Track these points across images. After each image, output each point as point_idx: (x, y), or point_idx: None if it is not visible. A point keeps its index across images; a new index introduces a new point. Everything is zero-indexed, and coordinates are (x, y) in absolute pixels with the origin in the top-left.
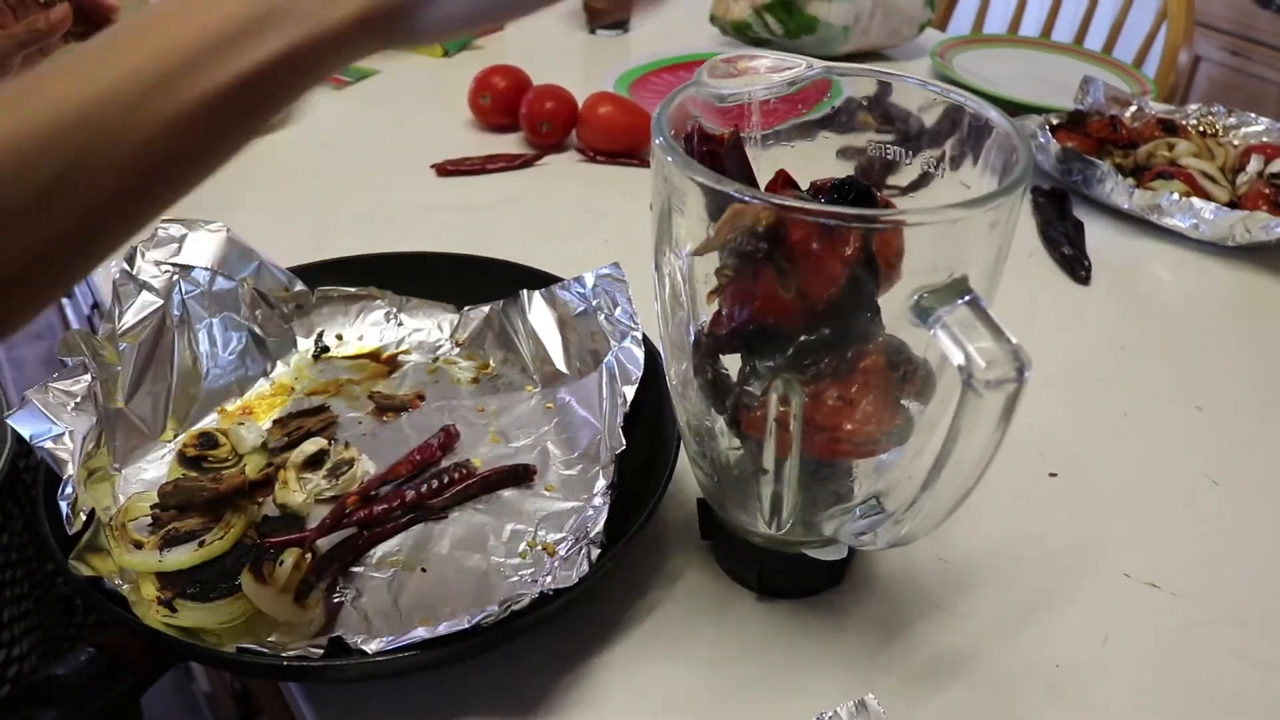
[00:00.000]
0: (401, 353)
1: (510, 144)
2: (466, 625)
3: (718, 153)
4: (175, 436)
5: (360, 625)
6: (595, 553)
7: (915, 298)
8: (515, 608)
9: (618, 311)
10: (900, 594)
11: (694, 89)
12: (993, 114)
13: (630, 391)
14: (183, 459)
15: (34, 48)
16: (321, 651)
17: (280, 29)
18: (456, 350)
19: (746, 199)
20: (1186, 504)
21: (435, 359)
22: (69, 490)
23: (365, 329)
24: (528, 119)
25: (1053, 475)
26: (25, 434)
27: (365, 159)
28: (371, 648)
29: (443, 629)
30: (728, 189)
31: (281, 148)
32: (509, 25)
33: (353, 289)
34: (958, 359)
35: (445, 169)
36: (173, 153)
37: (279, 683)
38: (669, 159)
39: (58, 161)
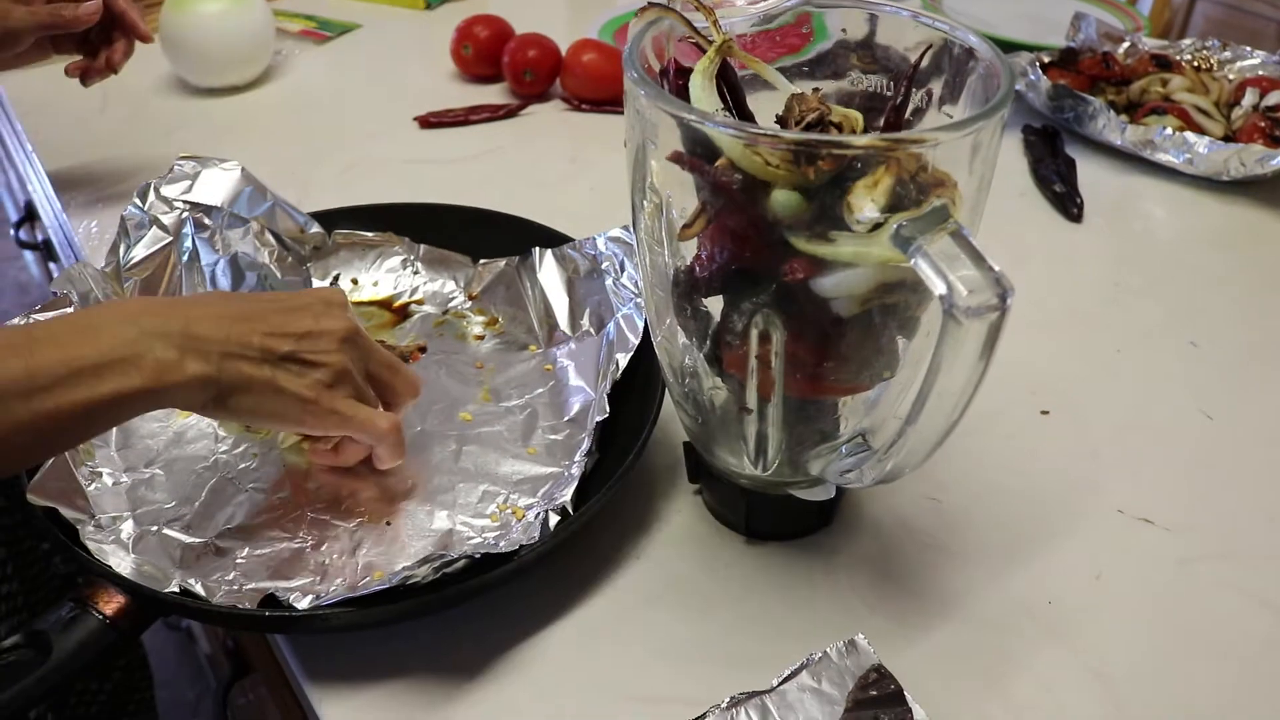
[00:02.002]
0: (414, 302)
1: (494, 94)
2: (390, 585)
3: None
4: None
5: (316, 571)
6: (554, 519)
7: (895, 226)
8: (447, 570)
9: (624, 276)
10: (890, 534)
11: (667, 23)
12: (973, 39)
13: (624, 359)
14: None
15: (52, 33)
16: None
17: (123, 374)
18: (469, 304)
19: (716, 128)
20: (1180, 440)
21: (446, 311)
22: None
23: (381, 275)
24: (510, 68)
25: (1045, 413)
26: None
27: (346, 113)
28: (302, 605)
29: (376, 587)
30: (694, 117)
31: (262, 104)
32: None
33: (372, 234)
34: (939, 288)
35: (428, 121)
36: (18, 444)
37: (267, 638)
38: (641, 93)
39: None
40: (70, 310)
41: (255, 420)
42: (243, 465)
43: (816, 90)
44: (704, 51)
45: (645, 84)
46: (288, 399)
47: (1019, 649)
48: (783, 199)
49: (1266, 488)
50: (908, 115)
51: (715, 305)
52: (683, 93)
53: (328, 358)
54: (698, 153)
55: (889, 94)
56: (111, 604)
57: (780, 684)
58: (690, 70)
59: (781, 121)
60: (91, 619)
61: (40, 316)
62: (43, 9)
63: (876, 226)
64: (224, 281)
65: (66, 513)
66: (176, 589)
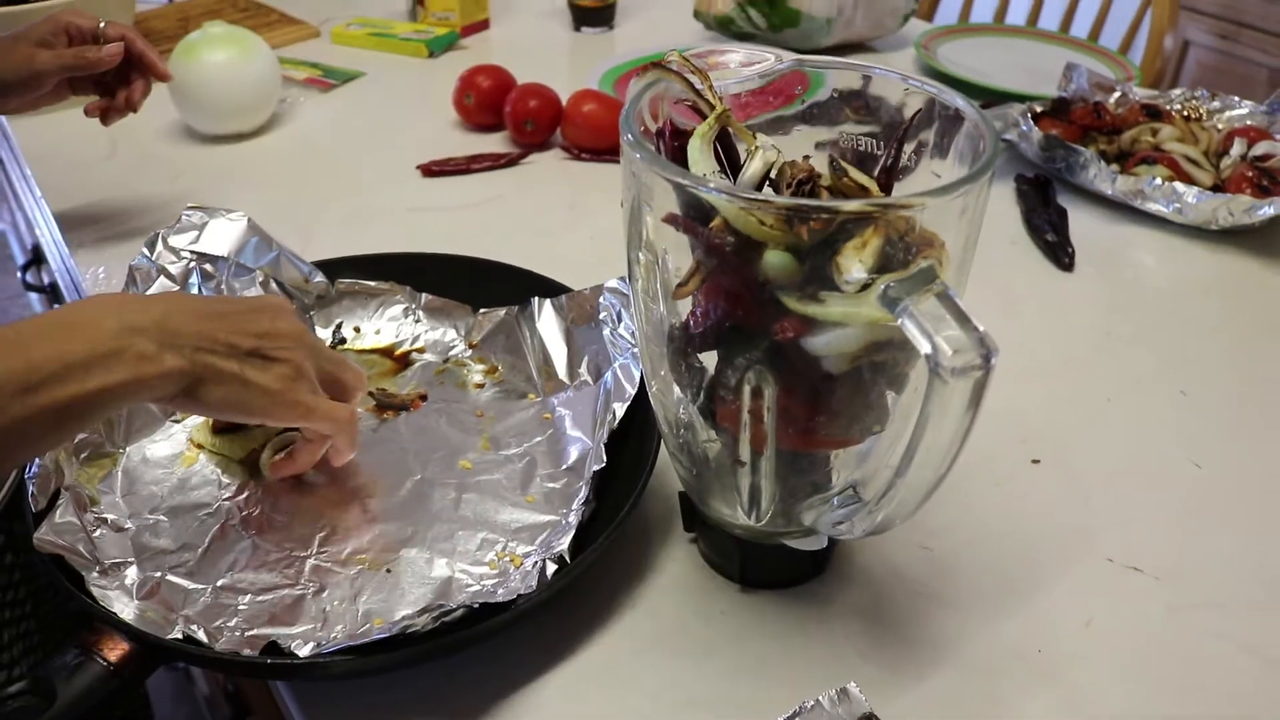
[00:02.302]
0: (416, 350)
1: (495, 143)
2: (390, 634)
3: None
4: (185, 420)
5: (317, 618)
6: (551, 568)
7: (883, 287)
8: (445, 619)
9: (621, 327)
10: (882, 582)
11: (664, 85)
12: (959, 102)
13: (621, 409)
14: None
15: (76, 74)
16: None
17: (105, 369)
18: (469, 353)
19: (711, 193)
20: (1170, 488)
21: (447, 360)
22: (34, 469)
23: (383, 324)
24: (512, 118)
25: (1035, 462)
26: None
27: (350, 160)
28: (304, 652)
29: (376, 635)
30: (689, 182)
31: (267, 150)
32: (494, 23)
33: (374, 283)
34: (925, 348)
35: (430, 169)
36: (13, 443)
37: (265, 681)
38: (637, 155)
39: None
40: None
41: (223, 412)
42: (245, 512)
43: (807, 158)
44: (699, 113)
45: (641, 147)
46: (255, 391)
47: (1010, 696)
48: (775, 260)
49: (1255, 536)
50: (898, 173)
51: (710, 360)
52: (678, 154)
53: (288, 354)
54: (692, 215)
55: (879, 154)
56: (115, 651)
57: None
58: (685, 131)
59: (774, 185)
60: (96, 665)
61: None
62: (67, 51)
63: (865, 287)
64: None
65: (72, 560)
66: (180, 635)
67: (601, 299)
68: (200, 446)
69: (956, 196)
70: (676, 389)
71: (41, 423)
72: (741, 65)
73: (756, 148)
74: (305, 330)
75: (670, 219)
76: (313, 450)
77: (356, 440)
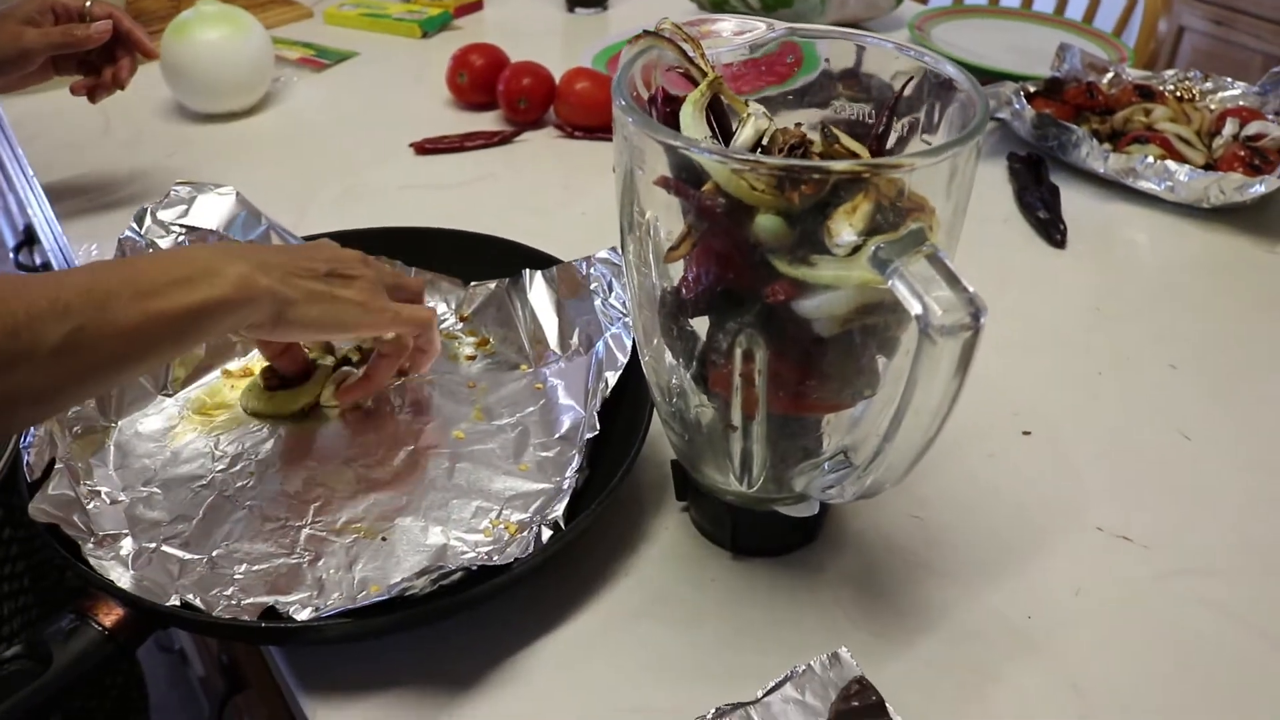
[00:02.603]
0: None
1: (489, 122)
2: (388, 596)
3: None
4: (176, 393)
5: (314, 586)
6: (546, 533)
7: (873, 249)
8: (444, 582)
9: (612, 296)
10: (874, 550)
11: (656, 53)
12: (952, 70)
13: (613, 377)
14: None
15: (63, 53)
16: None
17: (211, 284)
18: (460, 325)
19: (703, 154)
20: (1159, 459)
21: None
22: (29, 438)
23: None
24: (505, 96)
25: (1026, 434)
26: None
27: (343, 139)
28: (302, 616)
29: (374, 598)
30: (681, 144)
31: (261, 129)
32: (488, 4)
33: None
34: (914, 308)
35: (423, 147)
36: (129, 349)
37: (262, 653)
38: (629, 120)
39: (68, 324)
40: None
41: (318, 330)
42: (239, 483)
43: (799, 125)
44: (691, 80)
45: (633, 111)
46: (345, 304)
47: (998, 662)
48: (766, 223)
49: (1242, 506)
50: (890, 144)
51: (701, 326)
52: (670, 120)
53: (360, 271)
54: (684, 178)
55: (871, 123)
56: (111, 616)
57: (764, 695)
58: (677, 98)
59: (765, 150)
60: (91, 630)
61: None
62: (54, 30)
63: (855, 249)
64: None
65: (68, 530)
66: (177, 602)
67: (592, 269)
68: (257, 414)
69: (945, 159)
70: (669, 355)
71: (155, 330)
72: (733, 34)
73: (749, 115)
74: (362, 253)
75: (662, 182)
76: (389, 365)
77: (438, 339)
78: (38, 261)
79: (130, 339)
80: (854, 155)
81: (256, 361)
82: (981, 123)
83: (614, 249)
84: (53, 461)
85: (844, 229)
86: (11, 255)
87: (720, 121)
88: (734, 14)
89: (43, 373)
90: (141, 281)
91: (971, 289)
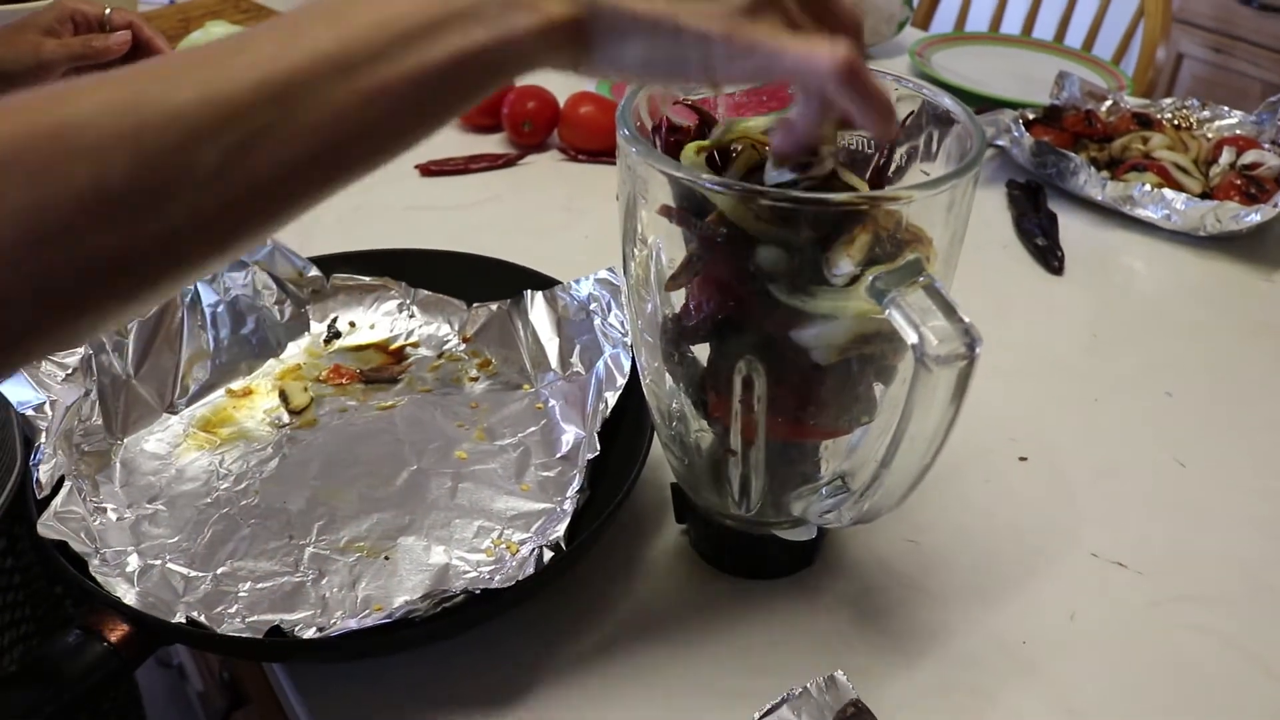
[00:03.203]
0: (410, 345)
1: (493, 144)
2: (393, 619)
3: (684, 142)
4: (181, 412)
5: (317, 604)
6: (548, 555)
7: (871, 279)
8: (447, 605)
9: (611, 317)
10: (870, 575)
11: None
12: (948, 102)
13: (613, 398)
14: None
15: (83, 64)
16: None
17: (462, 30)
18: (463, 346)
19: (706, 186)
20: (1154, 486)
21: (441, 354)
22: (39, 456)
23: (378, 318)
24: (510, 119)
25: (1023, 459)
26: (11, 400)
27: None
28: (306, 635)
29: (379, 619)
30: (684, 175)
31: None
32: None
33: (368, 279)
34: (911, 338)
35: (429, 169)
36: (344, 136)
37: (264, 669)
38: (633, 150)
39: (246, 128)
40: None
41: (640, 74)
42: (244, 501)
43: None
44: (696, 112)
45: (637, 141)
46: (688, 38)
47: (994, 686)
48: (767, 254)
49: (1236, 532)
50: (890, 174)
51: (702, 352)
52: (673, 149)
53: None
54: (686, 207)
55: (871, 152)
56: (116, 632)
57: (761, 718)
58: (681, 127)
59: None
60: (97, 646)
61: (54, 356)
62: (74, 40)
63: (854, 280)
64: (224, 322)
65: (75, 546)
66: (182, 619)
67: (591, 289)
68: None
69: (943, 191)
70: (669, 380)
71: (373, 114)
72: None
73: (741, 150)
74: None
75: (664, 211)
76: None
77: (878, 93)
78: None
79: (342, 127)
80: (852, 189)
81: (260, 380)
82: (979, 154)
83: (611, 269)
84: (62, 479)
85: (843, 260)
86: None
87: (724, 159)
88: None
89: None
90: (354, 44)
91: (967, 319)
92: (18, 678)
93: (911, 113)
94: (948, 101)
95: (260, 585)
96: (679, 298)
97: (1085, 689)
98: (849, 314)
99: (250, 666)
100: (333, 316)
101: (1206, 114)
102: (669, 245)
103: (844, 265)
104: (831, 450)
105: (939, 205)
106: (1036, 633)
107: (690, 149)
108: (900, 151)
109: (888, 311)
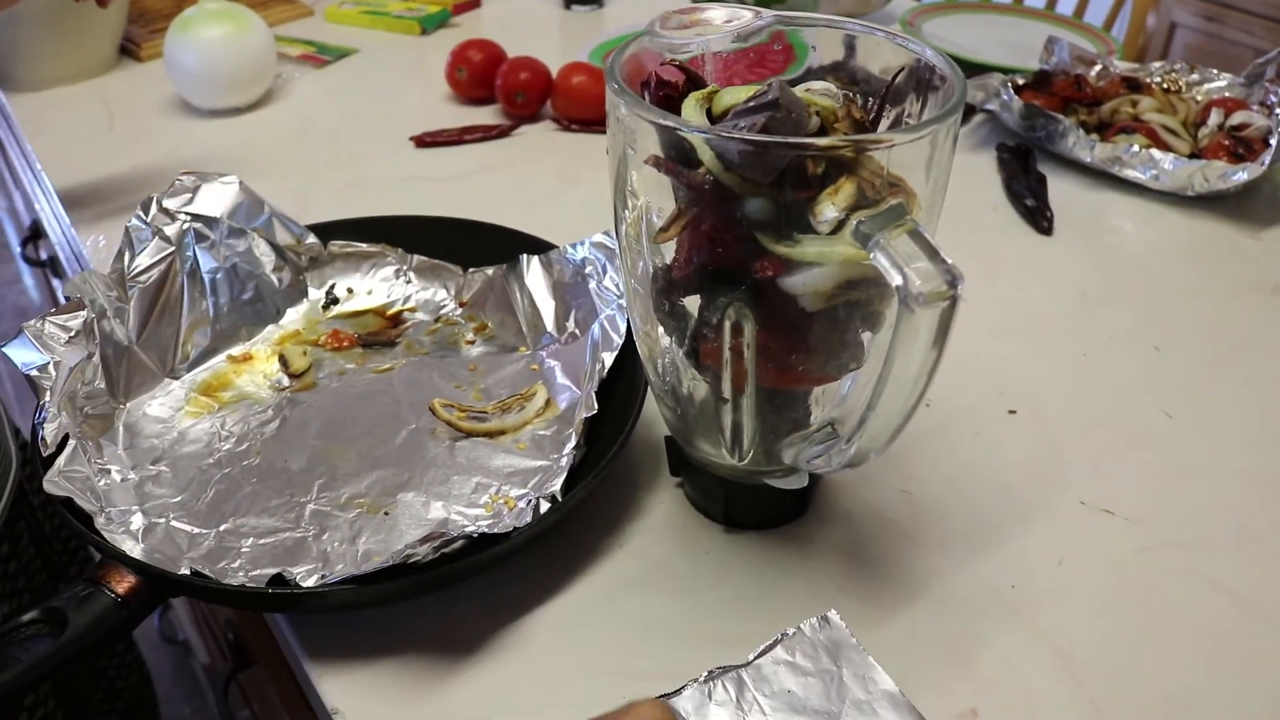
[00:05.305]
0: (407, 309)
1: (487, 116)
2: (392, 563)
3: (673, 96)
4: (183, 377)
5: (319, 558)
6: (544, 505)
7: (855, 223)
8: (446, 550)
9: (606, 279)
10: (863, 523)
11: (647, 39)
12: (936, 58)
13: (609, 358)
14: None
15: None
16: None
17: None
18: (459, 311)
19: (693, 133)
20: (1141, 437)
21: (438, 318)
22: (44, 415)
23: (375, 284)
24: (503, 90)
25: (1012, 412)
26: (16, 361)
27: (344, 134)
28: (309, 582)
29: (379, 564)
30: (671, 123)
31: (263, 124)
32: (486, 1)
33: (365, 245)
34: (895, 279)
35: (423, 140)
36: None
37: (268, 627)
38: (622, 102)
39: None
40: (83, 312)
41: None
42: (245, 461)
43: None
44: (684, 72)
45: (626, 94)
46: None
47: (984, 629)
48: (754, 204)
49: (1220, 479)
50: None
51: (693, 304)
52: (662, 103)
53: None
54: (674, 157)
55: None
56: (124, 583)
57: (756, 658)
58: (669, 83)
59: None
60: (105, 597)
61: (57, 319)
62: None
63: (839, 225)
64: (224, 289)
65: (81, 503)
66: (187, 573)
67: (587, 252)
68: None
69: (923, 137)
70: (662, 333)
71: None
72: (724, 22)
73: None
74: None
75: (653, 161)
76: None
77: None
78: (44, 255)
79: None
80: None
81: (259, 346)
82: (959, 101)
83: (607, 232)
84: (66, 438)
85: (828, 208)
86: (19, 250)
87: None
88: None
89: None
90: None
91: (950, 260)
92: (29, 626)
93: (902, 69)
94: (931, 54)
95: (263, 541)
96: (669, 250)
97: (1074, 631)
98: (835, 260)
99: (254, 627)
100: (331, 283)
101: (1195, 77)
102: (659, 198)
103: (829, 211)
104: (823, 399)
105: (920, 153)
106: (1025, 578)
107: (691, 100)
108: (890, 114)
109: (873, 254)
